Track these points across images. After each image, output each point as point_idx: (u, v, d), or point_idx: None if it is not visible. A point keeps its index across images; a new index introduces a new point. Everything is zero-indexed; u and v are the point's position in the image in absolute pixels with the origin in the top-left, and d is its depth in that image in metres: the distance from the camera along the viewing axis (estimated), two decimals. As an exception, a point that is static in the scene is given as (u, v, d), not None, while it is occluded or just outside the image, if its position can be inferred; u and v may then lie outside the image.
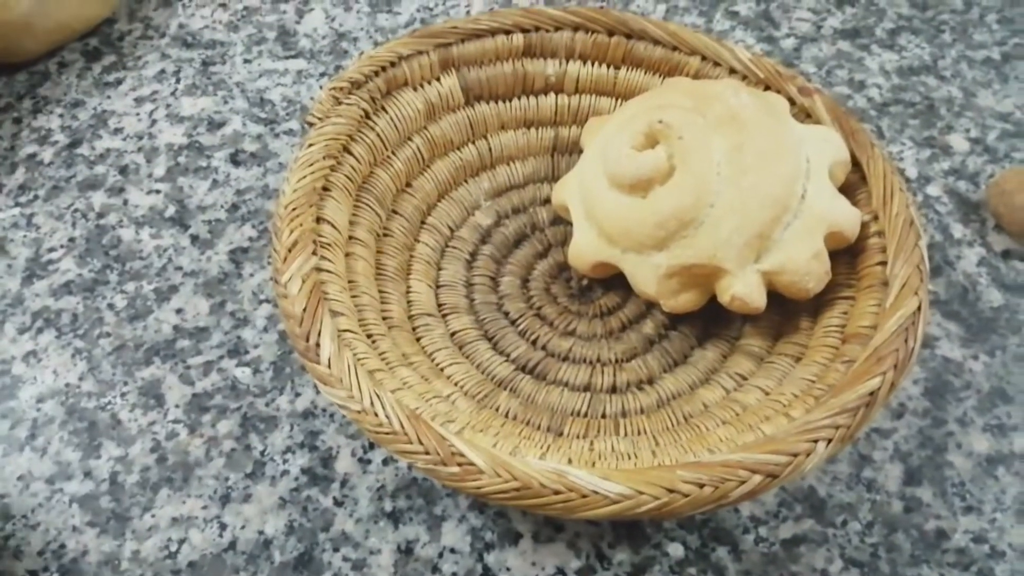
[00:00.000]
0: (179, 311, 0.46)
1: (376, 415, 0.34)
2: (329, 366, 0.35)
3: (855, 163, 0.43)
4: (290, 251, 0.38)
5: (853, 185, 0.43)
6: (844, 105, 0.56)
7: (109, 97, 0.56)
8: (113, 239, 0.49)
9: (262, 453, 0.41)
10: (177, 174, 0.52)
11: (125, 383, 0.44)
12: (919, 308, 0.37)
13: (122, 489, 0.40)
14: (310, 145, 0.41)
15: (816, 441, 0.33)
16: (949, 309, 0.46)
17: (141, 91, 0.57)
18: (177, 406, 0.43)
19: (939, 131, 0.55)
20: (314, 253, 0.39)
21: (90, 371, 0.44)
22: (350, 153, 0.43)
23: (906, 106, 0.56)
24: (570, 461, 0.36)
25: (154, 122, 0.55)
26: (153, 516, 0.39)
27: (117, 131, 0.54)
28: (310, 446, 0.41)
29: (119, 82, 0.57)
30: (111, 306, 0.46)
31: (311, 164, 0.41)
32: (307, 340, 0.36)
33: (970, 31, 0.61)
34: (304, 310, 0.36)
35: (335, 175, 0.42)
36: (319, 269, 0.38)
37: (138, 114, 0.55)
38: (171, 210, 0.50)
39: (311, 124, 0.42)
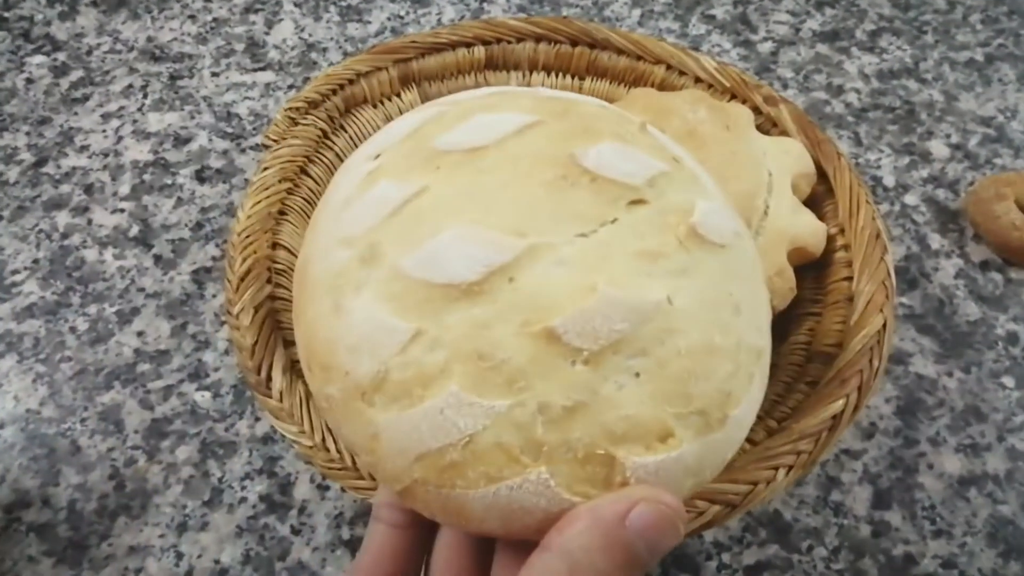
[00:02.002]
0: (140, 334, 0.46)
1: (328, 450, 0.33)
2: (281, 400, 0.34)
3: (821, 175, 0.42)
4: (242, 280, 0.37)
5: (819, 197, 0.42)
6: (821, 111, 0.55)
7: (76, 113, 0.56)
8: (76, 260, 0.49)
9: (220, 480, 0.41)
10: (142, 192, 0.52)
11: (85, 408, 0.43)
12: (884, 326, 0.36)
13: (80, 517, 0.40)
14: (265, 169, 0.41)
15: (776, 468, 0.33)
16: (924, 323, 0.45)
17: (108, 107, 0.56)
18: (136, 432, 0.42)
19: (919, 137, 0.54)
20: (268, 281, 0.38)
21: (51, 396, 0.44)
22: (307, 175, 0.42)
23: (885, 111, 0.55)
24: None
25: (120, 139, 0.54)
26: (110, 545, 0.39)
27: (83, 148, 0.54)
28: (269, 472, 0.41)
29: (86, 98, 0.57)
30: (73, 329, 0.46)
31: (266, 188, 0.40)
32: (258, 373, 0.35)
33: (953, 32, 0.60)
34: (255, 343, 0.35)
35: (292, 198, 0.41)
36: (273, 297, 0.38)
37: (104, 131, 0.55)
38: (135, 229, 0.50)
39: (267, 147, 0.42)
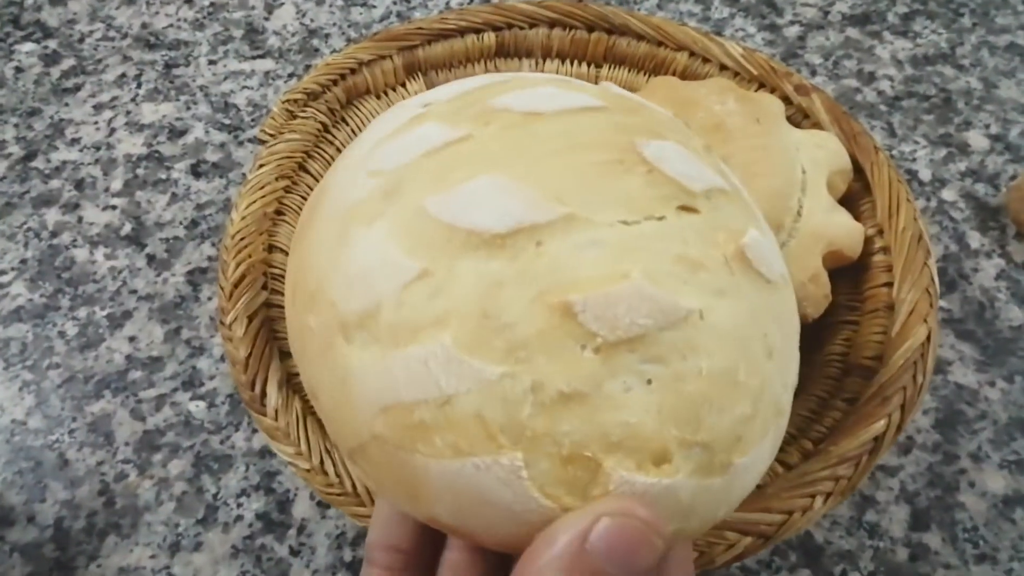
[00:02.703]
0: (132, 339, 0.43)
1: (326, 473, 0.31)
2: (276, 418, 0.32)
3: (857, 170, 0.39)
4: (236, 287, 0.35)
5: (856, 195, 0.39)
6: (852, 100, 0.52)
7: (67, 104, 0.53)
8: (66, 260, 0.46)
9: (215, 496, 0.38)
10: (135, 187, 0.49)
11: (74, 419, 0.41)
12: (928, 338, 0.33)
13: (67, 536, 0.38)
14: (260, 166, 0.38)
15: (813, 496, 0.30)
16: (963, 328, 0.42)
17: (100, 97, 0.54)
18: (127, 444, 0.40)
19: (956, 127, 0.50)
20: (264, 287, 0.35)
21: (38, 406, 0.41)
22: (307, 171, 0.40)
23: (920, 100, 0.52)
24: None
25: (113, 131, 0.52)
26: (99, 566, 0.37)
27: (74, 141, 0.51)
28: (266, 488, 0.39)
29: (78, 88, 0.54)
30: (62, 334, 0.44)
31: (261, 187, 0.37)
32: (252, 388, 0.32)
33: (992, 14, 0.57)
34: (249, 355, 0.33)
35: (290, 197, 0.39)
36: (270, 305, 0.35)
37: (96, 123, 0.52)
38: (127, 228, 0.47)
39: (263, 141, 0.39)
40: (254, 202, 0.37)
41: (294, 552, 0.37)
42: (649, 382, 0.20)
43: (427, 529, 0.24)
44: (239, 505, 0.38)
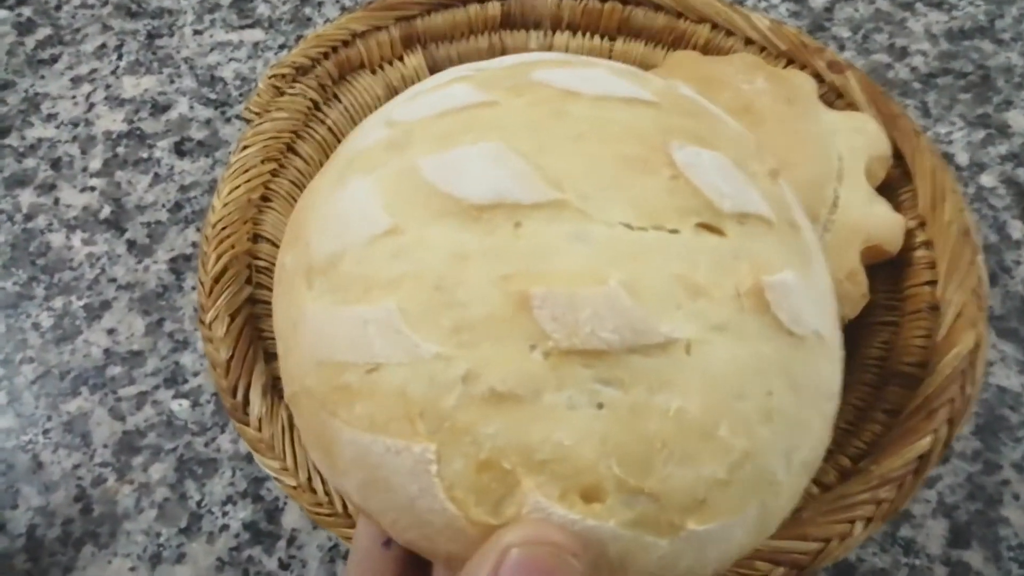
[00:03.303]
0: (111, 331, 0.40)
1: (315, 491, 0.28)
2: (260, 428, 0.29)
3: (897, 156, 0.36)
4: (217, 282, 0.32)
5: (894, 183, 0.36)
6: (883, 77, 0.48)
7: (43, 77, 0.50)
8: (41, 246, 0.43)
9: (199, 504, 0.36)
10: (115, 167, 0.46)
11: (48, 418, 0.38)
12: (978, 345, 0.30)
13: (40, 546, 0.35)
14: (244, 147, 0.35)
15: (852, 522, 0.27)
16: (1005, 326, 0.39)
17: (79, 70, 0.50)
18: (105, 446, 0.37)
19: (995, 107, 0.47)
20: (248, 281, 0.32)
21: (10, 404, 0.38)
22: (296, 153, 0.36)
23: (956, 77, 0.48)
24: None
25: (92, 106, 0.48)
26: (74, 579, 0.34)
27: (51, 117, 0.48)
28: (254, 495, 0.36)
29: (54, 59, 0.51)
30: (36, 326, 0.41)
31: (246, 171, 0.34)
32: (234, 395, 0.30)
33: (1032, -17, 0.53)
34: (231, 357, 0.30)
35: (277, 181, 0.35)
36: (254, 300, 0.32)
37: (74, 97, 0.49)
38: (106, 211, 0.44)
39: (248, 120, 0.36)
40: (237, 187, 0.34)
41: (284, 566, 0.34)
42: (600, 406, 0.17)
43: (409, 562, 0.21)
44: (225, 513, 0.36)
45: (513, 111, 0.21)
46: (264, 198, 0.35)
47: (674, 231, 0.19)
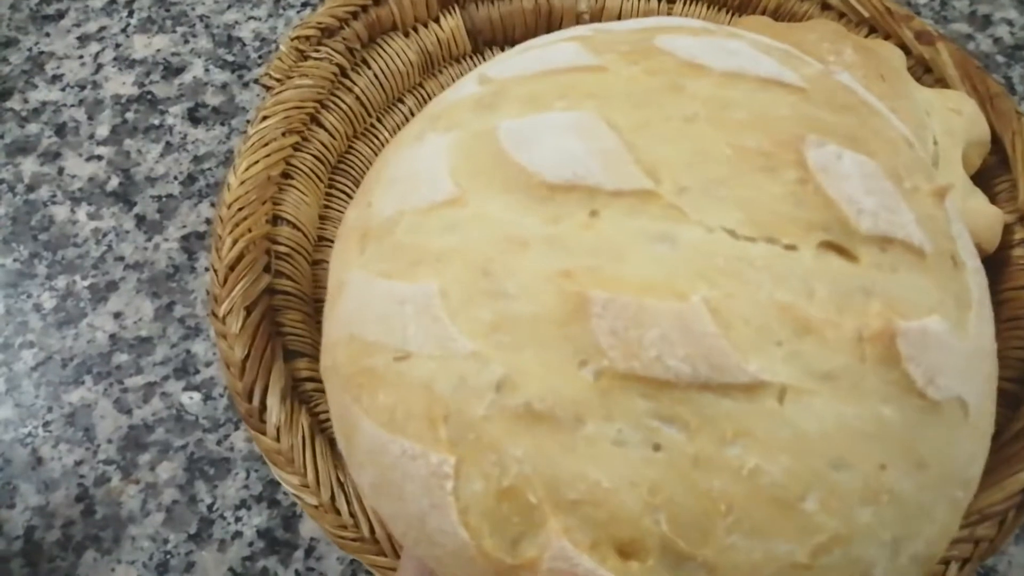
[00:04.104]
0: (118, 315, 0.37)
1: (339, 512, 0.25)
2: (278, 437, 0.26)
3: (993, 141, 0.32)
4: (232, 270, 0.28)
5: (989, 172, 0.32)
6: (963, 49, 0.44)
7: (48, 35, 0.46)
8: (44, 219, 0.40)
9: (210, 508, 0.33)
10: (124, 135, 0.43)
11: (49, 409, 0.35)
12: (1090, 360, 0.27)
13: (39, 550, 0.32)
14: (264, 118, 0.31)
15: (947, 563, 0.24)
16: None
17: (86, 27, 0.47)
18: (110, 441, 0.34)
19: (1089, 85, 0.43)
20: (267, 269, 0.29)
21: (8, 392, 0.36)
22: (320, 125, 0.33)
23: (1045, 50, 0.44)
24: None
25: (100, 67, 0.45)
26: (75, 587, 0.32)
27: (56, 79, 0.45)
28: (269, 500, 0.33)
29: (60, 15, 0.47)
30: (37, 307, 0.38)
31: (265, 145, 0.31)
32: (250, 399, 0.26)
33: None
34: (247, 356, 0.27)
35: (299, 156, 0.32)
36: (274, 291, 0.29)
37: (81, 57, 0.45)
38: (114, 182, 0.41)
39: (268, 88, 0.32)
40: (256, 163, 0.30)
41: (301, 579, 0.31)
42: (656, 448, 0.15)
43: None
44: (238, 519, 0.33)
45: (621, 79, 0.18)
46: (285, 175, 0.31)
47: (791, 247, 0.16)
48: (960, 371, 0.16)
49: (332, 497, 0.25)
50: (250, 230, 0.29)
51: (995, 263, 0.30)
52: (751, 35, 0.20)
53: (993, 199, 0.31)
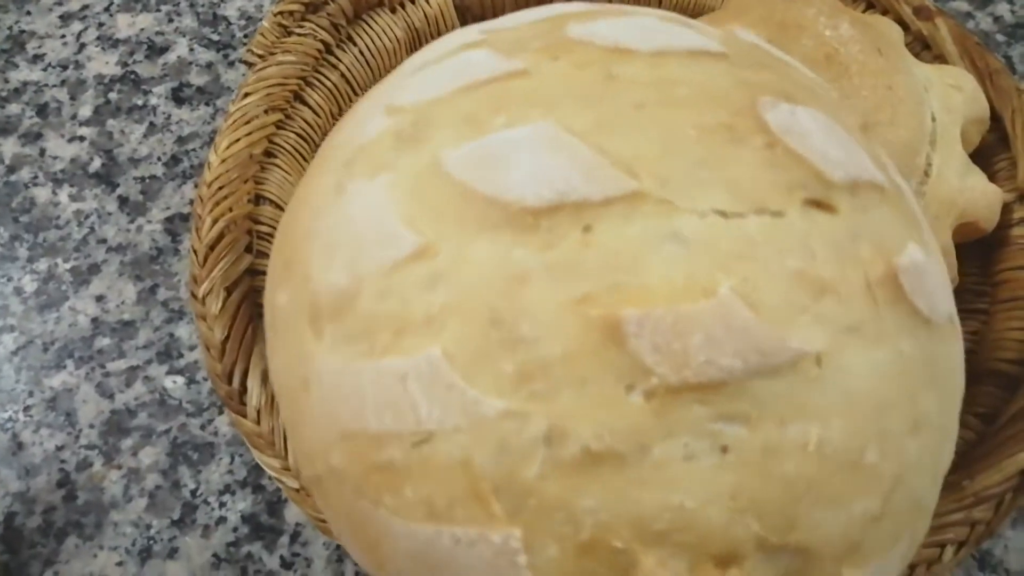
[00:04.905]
0: (100, 298, 0.37)
1: (318, 495, 0.24)
2: (258, 421, 0.25)
3: (992, 118, 0.32)
4: (212, 250, 0.28)
5: (988, 150, 0.32)
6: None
7: (28, 13, 0.45)
8: (25, 201, 0.39)
9: (194, 493, 0.32)
10: (107, 115, 0.42)
11: (30, 393, 0.35)
12: (1089, 342, 0.26)
13: (20, 536, 0.32)
14: (246, 95, 0.31)
15: (943, 546, 0.24)
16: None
17: (69, 6, 0.46)
18: (92, 426, 0.34)
19: (1089, 64, 0.42)
20: (248, 249, 0.29)
21: (-12, 376, 0.35)
22: (304, 103, 0.32)
23: (1045, 29, 0.43)
24: None
25: (82, 47, 0.44)
26: (56, 574, 0.31)
27: (37, 58, 0.44)
28: (254, 485, 0.32)
29: (42, -6, 0.46)
30: (18, 290, 0.37)
31: (247, 122, 0.30)
32: (229, 381, 0.26)
33: None
34: (226, 338, 0.26)
35: (283, 134, 0.31)
36: (255, 272, 0.28)
37: (63, 36, 0.45)
38: (97, 163, 0.40)
39: (250, 64, 0.31)
40: (237, 141, 0.30)
41: (286, 564, 0.31)
42: (724, 450, 0.14)
43: None
44: (222, 504, 0.32)
45: (552, 80, 0.16)
46: (268, 153, 0.31)
47: (778, 213, 0.15)
48: (944, 289, 0.17)
49: (314, 481, 0.24)
50: (231, 209, 0.28)
51: (993, 242, 0.30)
52: (647, 9, 0.19)
53: (992, 177, 0.30)
